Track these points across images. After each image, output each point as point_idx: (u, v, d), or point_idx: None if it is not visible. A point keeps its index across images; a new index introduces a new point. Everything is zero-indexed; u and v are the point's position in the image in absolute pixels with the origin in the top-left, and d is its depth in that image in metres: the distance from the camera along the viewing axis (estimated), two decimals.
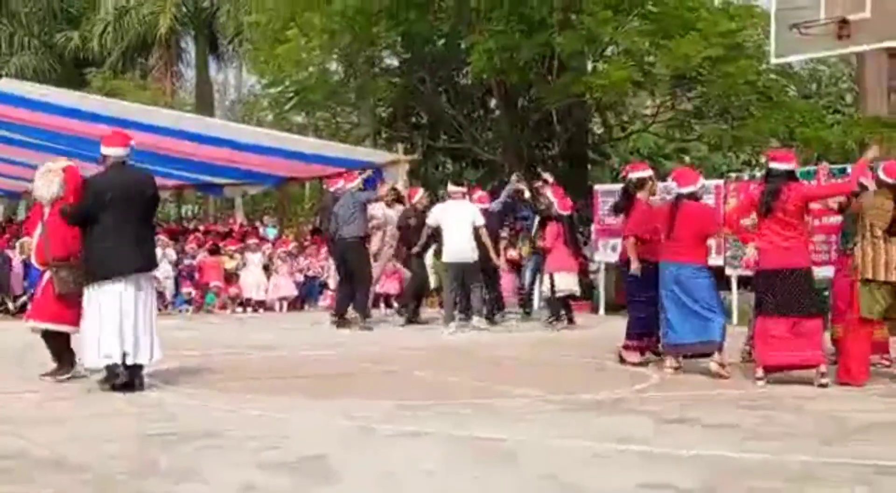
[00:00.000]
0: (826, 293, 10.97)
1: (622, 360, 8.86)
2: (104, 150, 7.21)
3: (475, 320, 12.06)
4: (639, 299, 8.89)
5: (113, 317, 6.96)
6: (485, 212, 12.51)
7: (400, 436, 5.56)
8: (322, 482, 4.51)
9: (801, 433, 5.76)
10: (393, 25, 18.47)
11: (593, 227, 15.43)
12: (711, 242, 9.30)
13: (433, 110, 21.26)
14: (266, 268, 16.02)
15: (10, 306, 13.41)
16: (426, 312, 13.74)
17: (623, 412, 6.39)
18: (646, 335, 8.86)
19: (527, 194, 13.56)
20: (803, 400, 6.87)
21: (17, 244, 7.76)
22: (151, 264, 7.56)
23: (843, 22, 10.00)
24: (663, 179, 11.41)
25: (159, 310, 14.72)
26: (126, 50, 26.77)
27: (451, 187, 12.75)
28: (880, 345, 8.68)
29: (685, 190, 8.22)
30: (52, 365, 7.52)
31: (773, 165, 7.82)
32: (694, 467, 4.80)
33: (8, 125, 13.70)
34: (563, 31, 17.05)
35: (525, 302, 14.33)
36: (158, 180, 19.45)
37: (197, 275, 15.83)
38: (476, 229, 12.04)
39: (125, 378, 7.00)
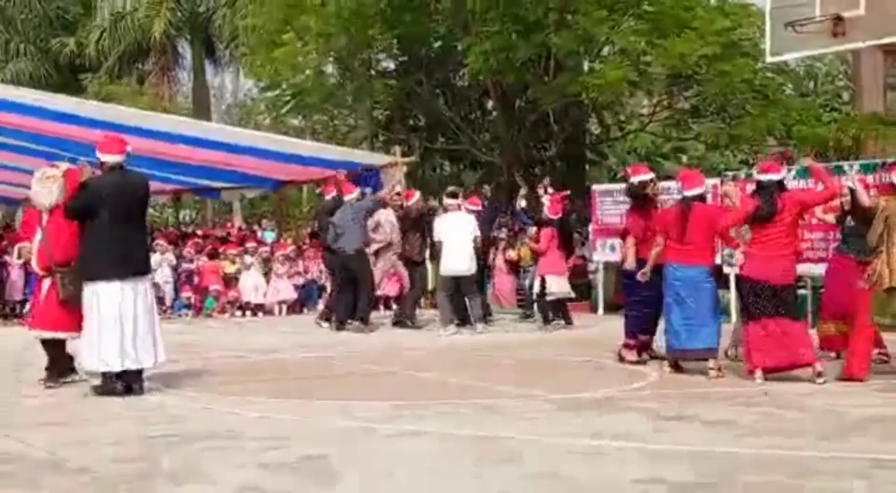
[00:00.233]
0: (822, 291, 11.00)
1: (621, 359, 8.88)
2: (101, 156, 7.22)
3: (479, 327, 12.09)
4: (636, 299, 8.93)
5: (113, 322, 6.97)
6: (476, 215, 12.57)
7: (400, 436, 5.58)
8: (323, 481, 4.53)
9: (800, 428, 5.78)
10: (388, 28, 18.51)
11: (591, 227, 15.44)
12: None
13: (430, 112, 21.29)
14: (265, 272, 16.03)
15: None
16: (424, 314, 13.73)
17: (621, 410, 6.41)
18: (642, 333, 8.90)
19: (523, 204, 13.58)
20: (801, 397, 6.90)
21: (16, 249, 7.73)
22: (148, 267, 7.58)
23: (838, 19, 10.02)
24: (662, 179, 11.42)
25: (158, 314, 14.95)
26: (122, 55, 26.77)
27: (447, 200, 12.79)
28: (875, 341, 8.73)
29: (691, 192, 8.20)
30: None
31: (762, 177, 7.86)
32: (692, 462, 4.83)
33: (5, 131, 13.71)
34: (558, 32, 17.08)
35: (525, 304, 14.36)
36: (156, 185, 19.59)
37: (196, 279, 15.85)
38: (475, 240, 12.14)
39: (121, 388, 7.00)
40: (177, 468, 4.80)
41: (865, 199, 8.68)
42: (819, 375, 7.48)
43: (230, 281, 15.89)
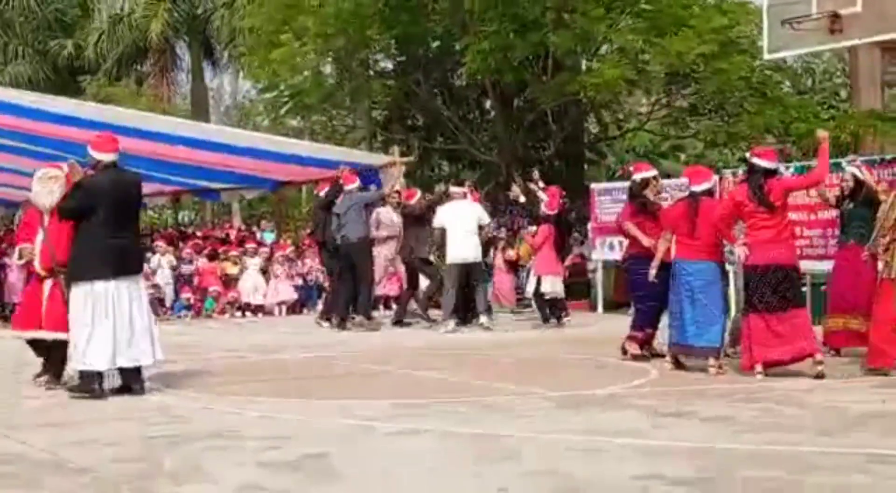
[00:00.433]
0: (823, 288, 11.02)
1: (625, 351, 8.88)
2: (95, 154, 7.20)
3: (483, 319, 12.09)
4: (643, 293, 8.93)
5: (106, 322, 6.96)
6: None
7: (400, 434, 5.59)
8: (324, 480, 4.55)
9: (799, 424, 5.79)
10: (387, 28, 18.53)
11: (590, 226, 15.46)
12: None
13: (429, 112, 21.32)
14: (264, 272, 16.05)
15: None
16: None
17: (621, 407, 6.42)
18: (647, 327, 8.91)
19: (522, 199, 13.59)
20: (801, 393, 6.90)
21: (17, 249, 7.70)
22: (142, 265, 7.61)
23: (835, 16, 10.04)
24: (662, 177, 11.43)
25: (158, 315, 14.97)
26: (121, 57, 26.78)
27: (452, 188, 12.80)
28: (867, 336, 8.73)
29: (699, 188, 8.19)
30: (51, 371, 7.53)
31: (754, 160, 7.85)
32: (691, 459, 4.83)
33: (3, 133, 13.72)
34: (556, 31, 17.11)
35: (524, 303, 14.39)
36: (156, 186, 19.60)
37: (196, 280, 15.86)
38: (481, 228, 12.16)
39: (100, 390, 6.98)
40: (177, 467, 4.81)
41: (869, 178, 8.71)
42: (819, 363, 7.49)
43: (230, 282, 15.92)
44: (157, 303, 15.28)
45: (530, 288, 12.75)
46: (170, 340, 11.65)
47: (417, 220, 12.97)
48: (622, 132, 22.87)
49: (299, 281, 16.25)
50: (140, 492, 4.44)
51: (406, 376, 8.42)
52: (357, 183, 13.04)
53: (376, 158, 16.66)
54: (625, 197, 10.08)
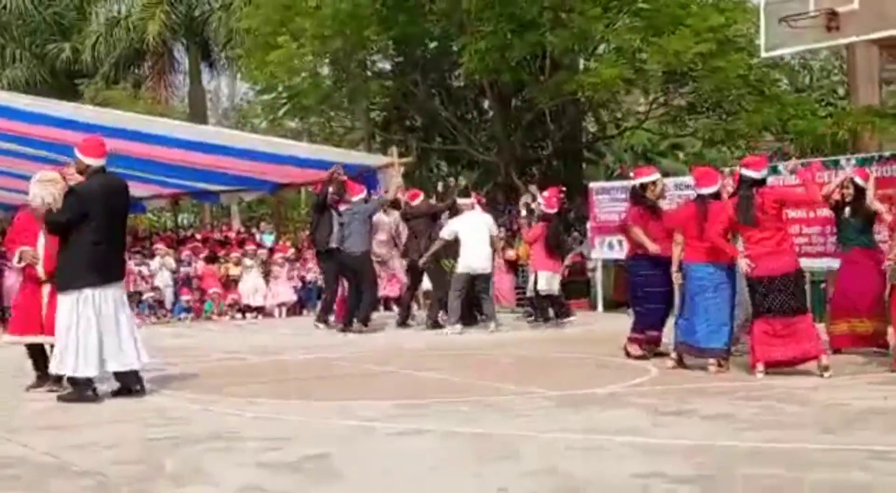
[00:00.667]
0: (822, 286, 11.02)
1: (627, 354, 8.87)
2: (85, 159, 7.14)
3: (491, 325, 12.13)
4: (643, 294, 8.92)
5: (96, 328, 6.95)
6: None
7: (400, 435, 5.59)
8: (324, 481, 4.55)
9: (800, 421, 5.80)
10: (384, 29, 18.52)
11: (589, 225, 15.47)
12: None
13: (427, 113, 21.33)
14: (265, 274, 16.05)
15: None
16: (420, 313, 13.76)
17: (621, 406, 6.42)
18: (650, 329, 8.89)
19: (533, 205, 13.58)
20: (802, 390, 6.91)
21: (17, 253, 7.63)
22: (124, 272, 7.59)
23: (832, 14, 10.03)
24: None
25: (158, 318, 14.98)
26: (118, 60, 26.75)
27: (460, 200, 12.87)
28: (878, 338, 8.76)
29: (707, 190, 8.16)
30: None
31: (744, 172, 7.85)
32: (691, 456, 4.84)
33: (1, 137, 13.72)
34: (554, 30, 17.12)
35: (525, 302, 14.39)
36: (155, 189, 19.56)
37: (195, 282, 15.87)
38: (492, 238, 12.31)
39: (93, 394, 6.98)
40: (178, 469, 4.81)
41: (871, 192, 8.70)
42: (825, 369, 7.50)
43: (228, 284, 15.93)
44: (157, 305, 15.30)
45: (531, 286, 12.77)
46: (170, 342, 11.75)
47: (431, 220, 12.89)
48: (620, 131, 22.87)
49: (299, 283, 16.25)
50: None
51: (406, 376, 8.43)
52: (363, 194, 12.98)
53: (375, 159, 16.66)
54: (623, 196, 10.08)
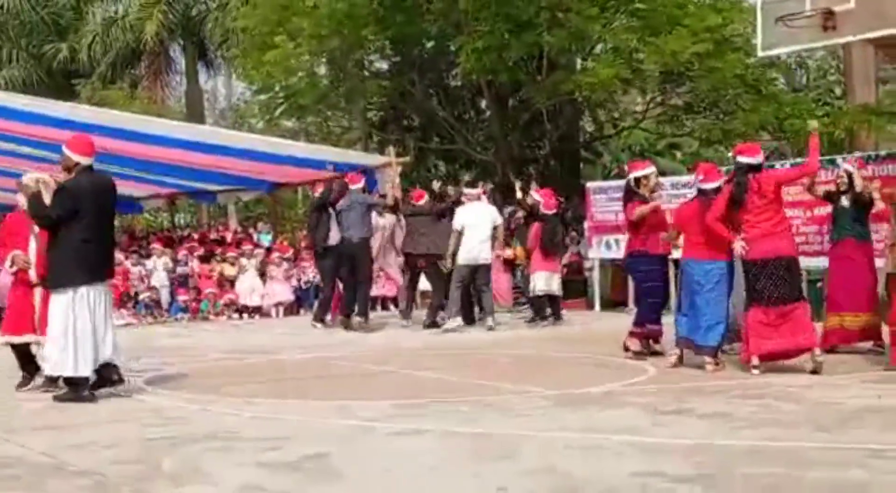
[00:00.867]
0: (819, 284, 11.04)
1: (626, 348, 8.88)
2: (74, 156, 7.11)
3: (489, 321, 12.15)
4: (647, 289, 8.95)
5: (90, 327, 6.93)
6: None
7: (400, 434, 5.59)
8: (324, 480, 4.55)
9: (797, 420, 5.81)
10: (381, 29, 18.51)
11: (586, 224, 15.48)
12: None
13: (424, 112, 21.31)
14: (262, 274, 16.05)
15: None
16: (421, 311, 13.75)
17: (619, 405, 6.43)
18: (651, 323, 8.92)
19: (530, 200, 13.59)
20: (798, 389, 6.92)
21: (9, 257, 7.58)
22: (114, 271, 7.57)
23: (829, 13, 10.04)
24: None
25: (155, 318, 14.96)
26: (115, 60, 26.72)
27: (466, 190, 12.90)
28: (871, 331, 8.78)
29: (710, 186, 8.16)
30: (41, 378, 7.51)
31: (738, 158, 7.86)
32: (690, 455, 4.85)
33: (0, 137, 13.72)
34: (551, 30, 17.12)
35: (521, 301, 14.41)
36: (152, 189, 19.53)
37: (192, 282, 15.86)
38: (495, 229, 12.36)
39: (90, 395, 6.96)
40: (177, 469, 4.81)
41: (859, 180, 8.76)
42: (818, 357, 7.53)
43: (225, 284, 15.92)
44: (153, 305, 15.28)
45: (532, 287, 12.78)
46: (167, 342, 11.76)
47: (437, 218, 12.85)
48: (617, 131, 22.87)
49: (296, 282, 16.25)
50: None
51: (405, 376, 8.43)
52: (361, 184, 13.02)
53: (372, 159, 16.66)
54: (620, 195, 10.12)
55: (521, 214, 13.96)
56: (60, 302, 6.96)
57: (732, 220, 7.81)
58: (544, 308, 12.62)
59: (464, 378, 8.05)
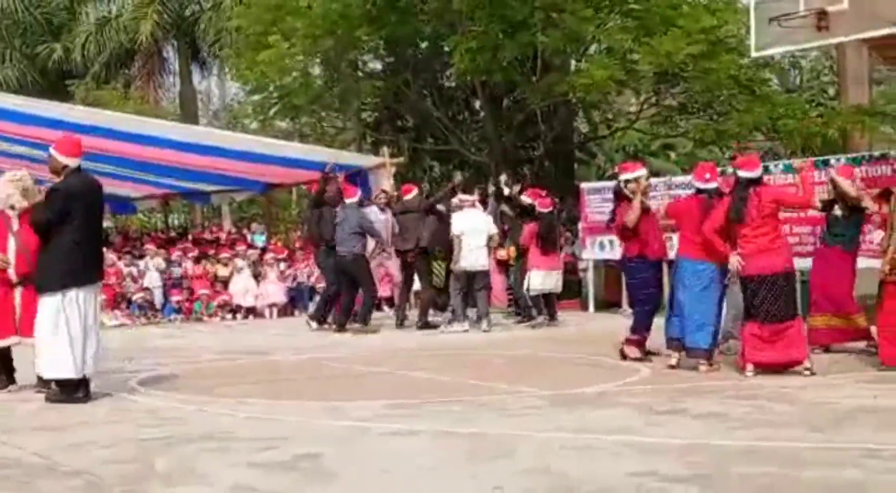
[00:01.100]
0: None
1: (624, 356, 8.84)
2: (62, 158, 7.06)
3: (483, 324, 12.18)
4: (643, 296, 8.94)
5: (82, 329, 6.91)
6: None
7: (394, 434, 5.59)
8: (318, 480, 4.55)
9: (791, 420, 5.82)
10: (375, 29, 18.49)
11: (580, 225, 15.49)
12: None
13: (418, 113, 21.31)
14: (255, 275, 16.03)
15: None
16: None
17: (614, 405, 6.43)
18: (646, 330, 8.91)
19: (506, 192, 13.64)
20: (792, 390, 6.94)
21: None
22: (104, 272, 7.54)
23: (822, 14, 10.05)
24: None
25: (148, 319, 14.93)
26: (109, 60, 26.68)
27: (462, 196, 12.90)
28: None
29: (709, 185, 8.15)
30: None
31: (739, 173, 7.87)
32: (685, 455, 4.85)
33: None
34: (545, 31, 17.12)
35: (515, 302, 14.39)
36: (146, 189, 19.49)
37: (186, 283, 15.83)
38: (490, 238, 12.47)
39: (82, 395, 6.95)
40: (171, 469, 4.80)
41: (849, 189, 8.78)
42: (807, 369, 7.57)
43: (216, 284, 15.90)
44: (147, 306, 15.25)
45: (526, 285, 12.79)
46: (160, 343, 11.74)
47: (425, 214, 12.81)
48: (612, 132, 22.89)
49: (290, 283, 16.22)
50: None
51: (399, 376, 8.42)
52: (357, 197, 12.91)
53: (366, 160, 16.67)
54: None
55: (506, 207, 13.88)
56: (49, 305, 6.90)
57: (730, 232, 7.81)
58: (535, 308, 12.62)
59: (458, 379, 8.04)
